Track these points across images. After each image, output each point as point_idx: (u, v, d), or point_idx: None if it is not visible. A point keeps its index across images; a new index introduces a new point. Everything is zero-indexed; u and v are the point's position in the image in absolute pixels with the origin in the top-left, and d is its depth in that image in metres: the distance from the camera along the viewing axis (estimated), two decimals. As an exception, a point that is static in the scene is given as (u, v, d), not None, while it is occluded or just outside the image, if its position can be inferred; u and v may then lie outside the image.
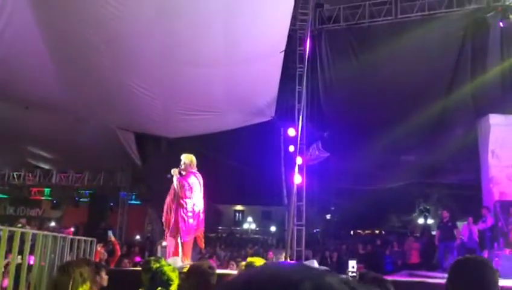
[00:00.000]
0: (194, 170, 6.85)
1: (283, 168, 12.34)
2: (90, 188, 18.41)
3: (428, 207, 20.12)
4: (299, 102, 11.67)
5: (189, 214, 6.60)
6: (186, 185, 6.54)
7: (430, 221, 19.87)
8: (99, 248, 8.27)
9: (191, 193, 6.61)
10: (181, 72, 10.08)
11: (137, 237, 19.67)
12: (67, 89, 10.57)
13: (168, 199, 6.78)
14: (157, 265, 3.57)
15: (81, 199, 20.27)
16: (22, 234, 4.85)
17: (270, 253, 12.98)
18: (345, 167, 12.78)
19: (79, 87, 10.62)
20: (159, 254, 9.12)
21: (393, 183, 13.00)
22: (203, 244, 7.09)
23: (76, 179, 17.56)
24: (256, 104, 11.75)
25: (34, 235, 5.27)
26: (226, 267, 10.12)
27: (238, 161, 15.10)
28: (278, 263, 0.98)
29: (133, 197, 19.67)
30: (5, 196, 21.48)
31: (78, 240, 6.28)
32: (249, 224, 28.67)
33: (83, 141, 13.51)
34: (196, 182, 6.74)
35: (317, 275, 0.72)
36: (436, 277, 7.02)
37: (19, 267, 4.75)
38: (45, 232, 5.64)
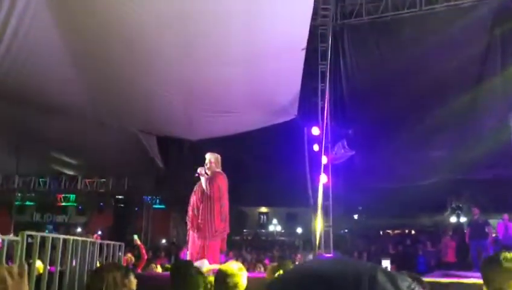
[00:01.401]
0: (220, 169, 6.85)
1: (308, 168, 12.23)
2: (115, 194, 18.67)
3: (460, 205, 19.66)
4: (323, 100, 11.60)
5: (217, 216, 6.59)
6: (215, 185, 6.54)
7: (463, 219, 19.41)
8: (129, 254, 8.37)
9: (220, 193, 6.61)
10: (201, 72, 10.11)
11: (163, 241, 19.85)
12: (89, 93, 10.74)
13: (194, 199, 6.77)
14: (189, 270, 3.58)
15: (106, 205, 20.59)
16: (53, 240, 4.93)
17: (298, 255, 12.88)
18: (372, 164, 12.63)
19: (101, 90, 10.77)
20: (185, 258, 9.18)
21: (423, 181, 12.75)
22: (225, 247, 7.09)
23: (101, 184, 17.86)
24: (279, 103, 11.72)
25: (64, 240, 5.35)
26: (253, 270, 10.10)
27: (262, 162, 15.07)
28: (327, 259, 0.95)
29: (157, 201, 19.89)
30: (32, 203, 22.02)
31: (107, 244, 6.35)
32: (274, 226, 28.62)
33: (106, 146, 13.73)
34: (224, 182, 6.74)
35: (370, 268, 0.70)
36: (472, 277, 6.83)
37: (49, 273, 4.83)
38: (76, 237, 5.73)
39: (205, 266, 5.83)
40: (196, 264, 5.27)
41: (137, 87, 10.59)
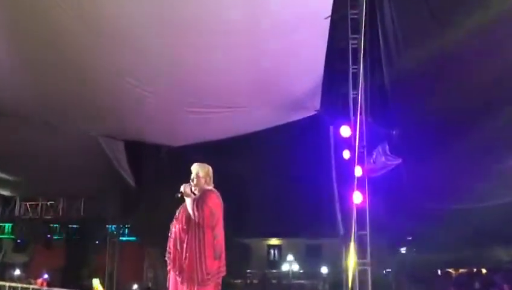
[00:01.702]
0: (212, 186, 6.86)
1: (335, 183, 12.30)
2: (67, 221, 18.71)
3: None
4: (355, 88, 11.56)
5: (209, 251, 6.57)
6: (207, 208, 6.53)
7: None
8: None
9: (213, 219, 6.60)
10: (188, 50, 10.12)
11: (134, 286, 19.87)
12: (33, 85, 10.81)
13: (177, 228, 6.76)
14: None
15: (55, 237, 20.63)
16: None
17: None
18: (425, 177, 12.60)
19: (49, 82, 10.84)
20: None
21: (495, 200, 12.71)
22: (221, 294, 7.08)
23: (48, 209, 17.91)
24: (294, 93, 11.73)
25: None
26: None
27: (271, 176, 15.10)
28: None
29: (126, 231, 19.90)
30: None
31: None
32: (290, 264, 28.52)
33: (54, 157, 13.78)
34: (219, 204, 6.72)
35: None
36: None
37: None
38: (12, 284, 5.79)
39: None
40: None
41: (93, 74, 10.66)
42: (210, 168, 6.95)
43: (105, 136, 13.37)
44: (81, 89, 11.06)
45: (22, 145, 13.32)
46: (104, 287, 10.01)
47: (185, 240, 6.60)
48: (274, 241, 29.98)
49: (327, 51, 10.99)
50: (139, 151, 14.44)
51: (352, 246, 10.83)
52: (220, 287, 6.85)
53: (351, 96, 11.72)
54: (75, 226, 19.25)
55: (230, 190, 7.39)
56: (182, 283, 6.57)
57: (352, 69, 11.80)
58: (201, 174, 6.80)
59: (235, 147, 13.43)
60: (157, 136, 13.17)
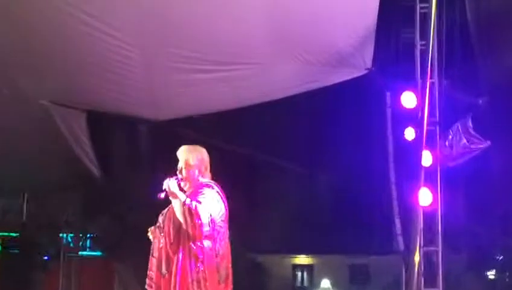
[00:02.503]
0: (209, 178, 6.79)
1: (393, 175, 12.37)
2: (2, 228, 18.86)
3: None
4: (424, 38, 11.47)
5: (210, 273, 6.54)
6: (204, 211, 6.46)
7: None
8: None
9: (213, 228, 6.55)
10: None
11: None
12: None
13: (162, 243, 6.72)
14: None
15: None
16: None
17: None
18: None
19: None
20: None
21: None
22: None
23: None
24: (334, 44, 11.70)
25: None
26: None
27: (299, 164, 15.10)
28: None
29: (88, 243, 20.03)
30: None
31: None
32: (325, 292, 28.84)
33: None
34: (220, 205, 6.66)
35: None
36: None
37: None
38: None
39: None
40: None
41: (44, 15, 10.65)
42: (205, 151, 6.89)
43: (59, 104, 13.34)
44: (16, 32, 11.07)
45: None
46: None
47: (175, 260, 6.57)
48: (302, 259, 30.29)
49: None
50: (108, 128, 14.46)
51: (416, 267, 10.82)
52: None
53: (418, 48, 11.71)
54: (13, 234, 19.36)
55: (237, 184, 7.35)
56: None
57: (421, 8, 11.77)
58: (192, 161, 6.75)
59: (245, 122, 13.43)
60: (134, 105, 13.12)
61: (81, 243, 19.62)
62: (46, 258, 19.83)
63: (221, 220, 6.66)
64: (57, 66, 12.05)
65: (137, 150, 14.81)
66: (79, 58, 11.68)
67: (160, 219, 6.76)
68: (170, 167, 6.85)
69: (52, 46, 11.46)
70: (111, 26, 10.88)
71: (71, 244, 18.79)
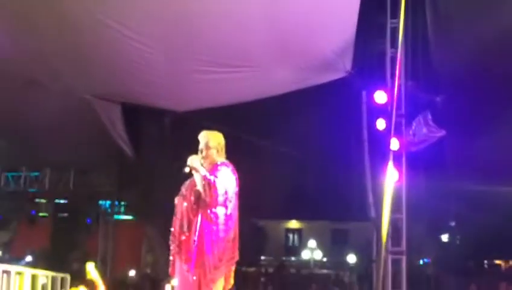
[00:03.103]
0: (224, 158, 6.84)
1: (367, 157, 12.28)
2: (54, 196, 18.87)
3: None
4: (394, 46, 11.48)
5: (222, 234, 6.59)
6: (219, 184, 6.52)
7: None
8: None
9: (227, 198, 6.60)
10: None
11: (131, 272, 20.11)
12: (12, 35, 10.83)
13: (183, 207, 6.77)
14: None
15: (40, 214, 20.83)
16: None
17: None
18: (473, 153, 12.56)
19: (30, 32, 10.86)
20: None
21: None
22: (232, 283, 7.12)
23: (32, 181, 18.03)
24: (321, 51, 11.67)
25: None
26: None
27: (292, 148, 15.10)
28: None
29: (122, 208, 20.06)
30: None
31: (42, 277, 6.53)
32: (311, 251, 28.78)
33: (40, 121, 13.85)
34: (233, 180, 6.72)
35: None
36: None
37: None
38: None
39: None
40: None
41: (86, 26, 10.66)
42: (222, 136, 6.89)
43: (99, 98, 13.37)
44: (67, 40, 11.06)
45: (3, 107, 13.38)
46: (97, 272, 10.13)
47: (194, 222, 6.62)
48: (293, 224, 30.21)
49: (361, 1, 10.88)
50: (139, 117, 14.50)
51: (384, 231, 10.89)
52: (231, 274, 6.89)
53: (389, 54, 11.73)
54: (63, 201, 19.39)
55: (244, 164, 7.37)
56: (189, 270, 6.60)
57: (391, 23, 11.77)
58: (211, 144, 6.74)
59: (250, 114, 13.42)
60: (160, 99, 13.14)
61: (116, 209, 19.65)
62: (88, 221, 19.91)
63: (233, 193, 6.72)
64: (97, 67, 12.07)
65: (163, 134, 14.81)
66: (115, 61, 11.69)
67: (183, 188, 6.81)
68: (190, 150, 6.90)
69: (94, 51, 11.47)
70: (141, 35, 10.90)
71: (108, 210, 18.80)
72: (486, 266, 22.66)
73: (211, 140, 6.78)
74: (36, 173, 18.02)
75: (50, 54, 11.59)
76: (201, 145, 6.76)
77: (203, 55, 11.52)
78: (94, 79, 12.68)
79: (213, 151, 6.72)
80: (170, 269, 6.98)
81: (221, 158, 6.81)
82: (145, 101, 13.51)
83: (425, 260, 20.96)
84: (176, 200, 6.82)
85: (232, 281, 6.97)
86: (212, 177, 6.45)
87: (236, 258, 6.83)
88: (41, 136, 14.84)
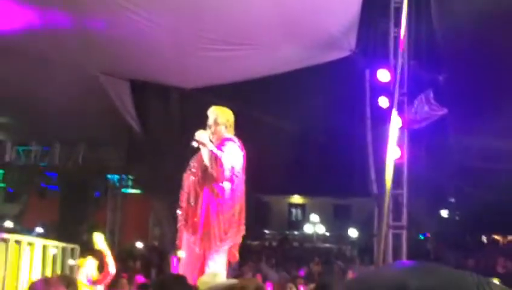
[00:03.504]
0: (232, 134, 6.86)
1: (369, 135, 12.33)
2: (64, 169, 18.97)
3: None
4: (397, 25, 11.43)
5: (228, 208, 6.64)
6: (226, 159, 6.54)
7: None
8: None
9: (233, 173, 6.63)
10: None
11: (139, 244, 20.26)
12: (22, 15, 10.84)
13: (190, 181, 6.81)
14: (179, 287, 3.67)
15: (51, 187, 20.96)
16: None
17: (350, 272, 13.04)
18: (474, 131, 12.57)
19: (40, 9, 10.86)
20: (172, 270, 9.36)
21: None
22: (237, 257, 7.17)
23: (42, 155, 18.11)
24: (325, 30, 11.67)
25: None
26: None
27: (296, 125, 15.12)
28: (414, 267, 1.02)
29: (130, 183, 20.16)
30: None
31: (52, 248, 6.58)
32: (314, 226, 28.92)
33: (50, 97, 13.88)
34: (239, 155, 6.75)
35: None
36: None
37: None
38: (3, 236, 5.94)
39: (218, 279, 5.74)
40: (204, 279, 5.32)
41: (96, 4, 10.70)
42: (231, 113, 6.91)
43: (108, 74, 13.39)
44: (81, 20, 11.12)
45: (14, 83, 13.40)
46: (105, 244, 10.22)
47: (201, 195, 6.65)
48: (297, 199, 30.31)
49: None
50: (147, 93, 14.48)
51: (386, 207, 10.92)
52: (237, 248, 6.94)
53: (392, 34, 11.68)
54: (73, 175, 19.50)
55: (249, 140, 7.40)
56: (195, 243, 6.66)
57: (395, 2, 11.70)
58: (220, 120, 6.77)
59: (256, 91, 13.42)
60: (168, 76, 13.19)
61: (124, 183, 19.77)
62: (97, 194, 20.04)
63: (240, 168, 6.76)
64: (106, 44, 12.08)
65: (170, 110, 14.82)
66: (125, 38, 11.71)
67: (191, 162, 6.86)
68: (197, 126, 6.91)
69: (104, 29, 11.50)
70: (149, 13, 10.91)
71: (116, 184, 18.91)
72: (484, 241, 22.74)
73: (220, 116, 6.81)
74: (46, 148, 18.10)
75: (60, 31, 11.60)
76: (210, 121, 6.79)
77: (210, 33, 11.53)
78: (103, 56, 12.70)
79: (221, 127, 6.75)
80: (177, 242, 7.06)
81: (229, 134, 6.84)
82: (153, 77, 13.55)
83: (425, 235, 21.03)
84: (185, 175, 6.88)
85: (237, 254, 7.04)
86: (219, 152, 6.49)
87: (243, 232, 6.89)
88: (51, 111, 14.88)
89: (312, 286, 6.78)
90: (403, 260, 10.65)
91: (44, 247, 8.76)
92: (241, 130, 7.10)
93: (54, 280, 4.40)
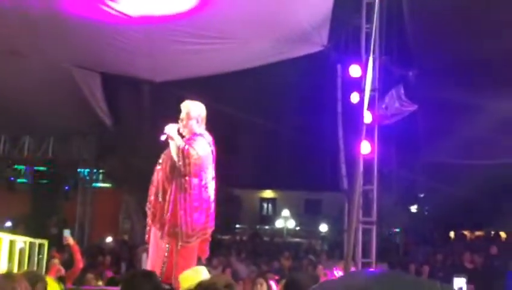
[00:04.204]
0: (203, 129, 6.79)
1: (340, 130, 12.34)
2: (33, 163, 18.73)
3: None
4: (369, 21, 11.43)
5: (195, 203, 6.58)
6: (194, 154, 6.47)
7: None
8: (55, 261, 8.48)
9: (201, 168, 6.57)
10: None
11: (109, 239, 20.11)
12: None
13: (159, 176, 6.75)
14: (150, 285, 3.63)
15: (19, 180, 20.70)
16: None
17: (320, 267, 13.04)
18: (443, 128, 12.64)
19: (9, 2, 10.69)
20: (143, 266, 9.27)
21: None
22: (208, 252, 7.13)
23: (11, 147, 17.83)
24: (298, 24, 11.58)
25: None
26: (250, 289, 10.21)
27: (268, 119, 15.08)
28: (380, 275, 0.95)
29: (100, 176, 19.98)
30: None
31: (20, 242, 6.45)
32: (285, 220, 28.98)
33: (20, 89, 13.67)
34: (208, 151, 6.68)
35: None
36: None
37: None
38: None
39: (199, 277, 5.62)
40: (185, 274, 5.26)
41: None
42: (203, 107, 6.85)
43: (78, 66, 13.22)
44: (51, 11, 10.91)
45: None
46: (74, 238, 10.14)
47: (169, 191, 6.59)
48: (268, 193, 30.36)
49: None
50: (118, 87, 14.34)
51: (356, 201, 10.94)
52: (208, 244, 6.88)
53: (364, 30, 11.60)
54: (42, 168, 19.26)
55: (220, 134, 7.34)
56: (162, 237, 6.59)
57: (367, -2, 11.72)
58: (192, 114, 6.70)
59: (227, 85, 13.38)
60: (139, 69, 13.02)
61: (94, 177, 19.58)
62: (67, 188, 19.82)
63: (208, 163, 6.70)
64: (76, 36, 11.92)
65: (141, 104, 14.71)
66: (95, 31, 11.56)
67: (161, 158, 6.79)
68: (168, 120, 6.83)
69: (74, 20, 11.33)
70: (121, 5, 10.79)
71: (87, 178, 18.73)
72: (452, 236, 22.99)
73: (192, 110, 6.75)
74: (16, 140, 17.82)
75: (31, 24, 11.40)
76: (182, 114, 6.73)
77: (181, 27, 11.42)
78: (73, 48, 12.51)
79: (193, 122, 6.69)
80: (146, 236, 7.00)
81: (200, 129, 6.77)
82: (123, 70, 13.38)
83: (395, 230, 21.19)
84: (155, 169, 6.81)
85: (207, 250, 6.98)
86: (186, 146, 6.42)
87: (211, 228, 6.83)
88: (21, 104, 14.66)
89: (283, 281, 6.76)
90: (371, 268, 10.68)
91: (11, 242, 8.60)
92: (212, 124, 7.04)
93: (17, 276, 4.28)
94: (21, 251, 8.95)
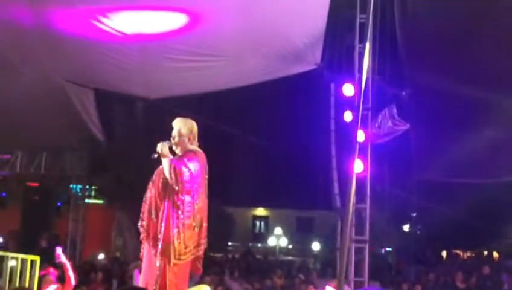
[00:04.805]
0: (195, 146, 6.78)
1: (333, 148, 12.35)
2: (25, 179, 18.65)
3: None
4: (362, 41, 11.47)
5: (188, 221, 6.55)
6: (186, 171, 6.46)
7: None
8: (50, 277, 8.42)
9: (193, 185, 6.55)
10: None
11: (101, 256, 19.99)
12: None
13: (152, 193, 6.73)
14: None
15: (11, 196, 20.59)
16: None
17: (311, 286, 12.98)
18: (436, 147, 12.67)
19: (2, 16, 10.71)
20: (135, 283, 9.21)
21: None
22: (201, 269, 7.09)
23: (3, 163, 17.78)
24: (292, 43, 11.67)
25: None
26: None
27: (261, 138, 15.10)
28: None
29: (93, 192, 19.89)
30: None
31: (12, 259, 6.42)
32: (277, 238, 28.90)
33: (12, 103, 13.64)
34: (200, 169, 6.66)
35: None
36: None
37: None
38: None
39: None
40: None
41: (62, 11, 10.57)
42: (194, 124, 6.84)
43: (72, 82, 13.22)
44: (45, 27, 10.96)
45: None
46: (66, 256, 10.08)
47: (161, 208, 6.57)
48: (260, 211, 30.32)
49: (332, -3, 10.91)
50: (111, 103, 14.36)
51: (349, 220, 10.90)
52: (201, 261, 6.85)
53: (357, 49, 11.67)
54: (34, 184, 19.17)
55: (213, 152, 7.33)
56: (156, 255, 6.56)
57: (360, 18, 11.71)
58: (183, 131, 6.69)
59: (220, 103, 13.40)
60: (132, 86, 13.04)
61: (86, 193, 19.50)
62: (59, 204, 19.71)
63: (201, 181, 6.68)
64: (70, 52, 11.94)
65: (135, 121, 14.71)
66: (88, 47, 11.60)
67: (154, 174, 6.76)
68: (161, 137, 6.83)
69: (67, 37, 11.35)
70: (115, 22, 10.82)
71: (79, 194, 18.64)
72: (445, 255, 22.97)
73: (183, 127, 6.73)
74: (7, 156, 17.78)
75: (24, 38, 11.42)
76: (174, 132, 6.72)
77: (174, 44, 11.46)
78: (67, 64, 12.54)
79: (185, 139, 6.67)
80: (141, 253, 6.96)
81: (193, 146, 6.76)
82: (117, 87, 13.40)
83: (387, 249, 21.15)
84: (148, 185, 6.79)
85: (200, 267, 6.95)
86: (178, 164, 6.41)
87: (204, 246, 6.79)
88: (13, 119, 14.63)
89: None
90: (363, 287, 10.69)
91: (1, 258, 8.56)
92: (206, 141, 7.03)
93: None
94: (12, 268, 8.90)
